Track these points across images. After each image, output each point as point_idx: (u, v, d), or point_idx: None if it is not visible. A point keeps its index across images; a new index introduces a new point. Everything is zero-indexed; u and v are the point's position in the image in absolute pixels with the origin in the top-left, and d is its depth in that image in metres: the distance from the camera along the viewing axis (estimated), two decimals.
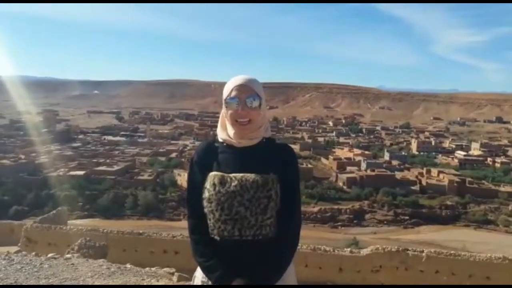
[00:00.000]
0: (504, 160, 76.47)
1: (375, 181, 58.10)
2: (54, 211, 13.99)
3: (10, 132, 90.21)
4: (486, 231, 50.08)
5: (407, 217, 52.55)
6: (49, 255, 5.29)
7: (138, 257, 9.23)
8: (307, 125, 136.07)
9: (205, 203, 1.87)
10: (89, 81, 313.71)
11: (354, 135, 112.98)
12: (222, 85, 1.93)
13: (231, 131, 1.92)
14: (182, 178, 55.90)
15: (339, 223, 51.57)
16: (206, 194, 1.87)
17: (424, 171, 65.12)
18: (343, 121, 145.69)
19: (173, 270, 6.04)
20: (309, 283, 8.57)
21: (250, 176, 1.84)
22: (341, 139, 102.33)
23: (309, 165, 65.60)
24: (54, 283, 4.17)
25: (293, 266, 1.99)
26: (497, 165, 73.43)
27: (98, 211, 50.85)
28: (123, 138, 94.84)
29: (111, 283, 4.36)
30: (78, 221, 40.03)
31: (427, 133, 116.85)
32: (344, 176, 61.61)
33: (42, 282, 4.16)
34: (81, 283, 4.23)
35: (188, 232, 1.97)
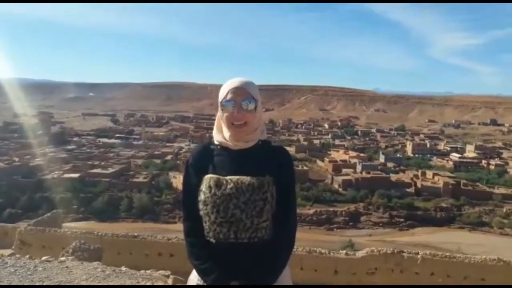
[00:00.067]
0: (498, 162, 76.98)
1: (370, 183, 58.27)
2: (49, 214, 13.92)
3: (4, 135, 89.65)
4: (481, 233, 50.31)
5: (402, 219, 52.72)
6: (43, 258, 5.25)
7: (133, 260, 9.18)
8: (303, 127, 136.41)
9: (200, 206, 1.87)
10: (84, 84, 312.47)
11: (349, 138, 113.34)
12: (218, 87, 1.93)
13: (227, 133, 1.92)
14: (177, 180, 55.78)
15: (334, 225, 51.63)
16: (201, 197, 1.86)
17: (419, 173, 65.46)
18: (339, 123, 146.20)
19: (168, 272, 6.02)
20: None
21: (246, 178, 1.84)
22: (337, 142, 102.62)
23: (305, 167, 65.67)
24: None
25: (289, 268, 1.99)
26: (492, 167, 73.89)
27: (93, 213, 50.65)
28: (118, 141, 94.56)
29: None
30: (73, 224, 39.78)
31: (422, 136, 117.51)
32: (340, 178, 61.72)
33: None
34: None
35: (184, 235, 1.97)
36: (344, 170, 66.49)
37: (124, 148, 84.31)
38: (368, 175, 61.29)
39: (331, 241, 39.97)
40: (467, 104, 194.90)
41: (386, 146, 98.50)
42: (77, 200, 51.28)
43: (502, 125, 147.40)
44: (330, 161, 71.49)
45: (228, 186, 1.83)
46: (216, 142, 1.96)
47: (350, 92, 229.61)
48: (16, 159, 64.79)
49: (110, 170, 61.21)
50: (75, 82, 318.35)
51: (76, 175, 57.42)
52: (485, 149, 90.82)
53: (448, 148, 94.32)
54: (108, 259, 7.32)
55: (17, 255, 6.00)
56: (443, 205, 55.54)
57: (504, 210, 54.59)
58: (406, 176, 64.96)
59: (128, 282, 4.60)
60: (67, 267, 4.78)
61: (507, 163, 77.02)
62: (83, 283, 4.31)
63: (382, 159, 77.20)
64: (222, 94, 1.92)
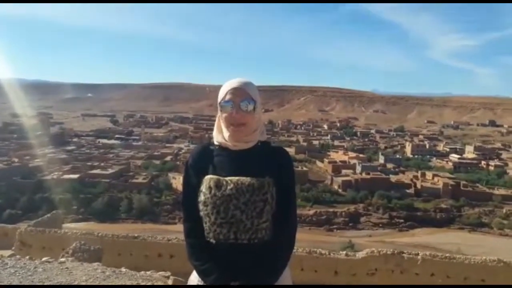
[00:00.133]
0: (497, 163, 77.04)
1: (370, 184, 58.27)
2: (49, 215, 13.94)
3: (3, 135, 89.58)
4: (481, 234, 50.28)
5: (402, 220, 52.71)
6: (43, 259, 5.25)
7: (133, 261, 9.19)
8: (302, 128, 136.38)
9: (200, 207, 1.87)
10: (83, 84, 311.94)
11: (348, 139, 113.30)
12: (217, 88, 1.93)
13: (226, 134, 1.92)
14: (177, 181, 55.76)
15: (334, 226, 51.62)
16: (201, 198, 1.86)
17: (419, 174, 65.49)
18: (338, 124, 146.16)
19: (168, 273, 6.02)
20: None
21: (246, 179, 1.84)
22: (336, 142, 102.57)
23: (304, 168, 65.66)
24: None
25: (289, 269, 1.99)
26: (491, 168, 73.95)
27: (93, 214, 50.59)
28: (117, 141, 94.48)
29: None
30: (73, 225, 39.73)
31: (421, 137, 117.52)
32: (339, 179, 61.72)
33: None
34: None
35: (184, 236, 1.97)
36: (343, 171, 66.49)
37: (123, 149, 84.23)
38: (368, 176, 61.29)
39: (331, 242, 39.96)
40: (465, 105, 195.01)
41: (386, 147, 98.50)
42: (77, 201, 51.22)
43: (501, 126, 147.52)
44: (329, 162, 71.46)
45: (228, 187, 1.83)
46: (216, 143, 1.96)
47: (349, 93, 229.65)
48: (16, 159, 64.72)
49: (110, 171, 61.17)
50: (73, 82, 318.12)
51: (75, 176, 57.37)
52: (484, 150, 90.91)
53: (448, 149, 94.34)
54: (108, 260, 7.32)
55: (17, 256, 6.00)
56: (443, 206, 55.55)
57: (504, 211, 54.59)
58: (405, 177, 64.98)
59: (128, 283, 4.61)
60: (67, 268, 4.78)
61: (506, 164, 77.09)
62: (83, 284, 4.31)
63: (381, 160, 77.22)
64: (221, 94, 1.92)
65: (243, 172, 1.86)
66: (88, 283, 4.33)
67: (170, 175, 60.64)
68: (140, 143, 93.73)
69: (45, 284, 4.21)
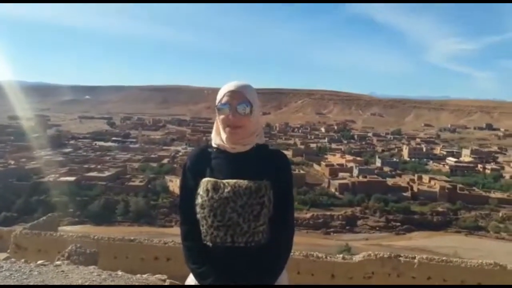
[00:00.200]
0: (494, 166, 77.30)
1: (367, 187, 58.32)
2: (45, 217, 13.87)
3: (0, 137, 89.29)
4: (477, 237, 50.36)
5: (398, 223, 52.74)
6: (39, 262, 5.22)
7: (129, 264, 9.15)
8: (300, 131, 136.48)
9: (198, 209, 1.87)
10: (81, 86, 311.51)
11: (346, 142, 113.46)
12: (214, 90, 1.92)
13: (223, 136, 1.92)
14: (174, 184, 55.66)
15: (331, 229, 51.59)
16: (199, 200, 1.86)
17: (416, 177, 65.59)
18: (335, 127, 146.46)
19: (164, 276, 6.00)
20: None
21: (243, 182, 1.84)
22: (333, 146, 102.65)
23: (302, 171, 65.70)
24: None
25: (286, 272, 1.98)
26: (488, 171, 74.17)
27: (89, 217, 50.38)
28: (114, 144, 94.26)
29: None
30: (69, 228, 39.63)
31: (418, 140, 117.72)
32: (336, 182, 61.76)
33: None
34: None
35: (181, 239, 1.97)
36: (340, 174, 66.54)
37: (120, 152, 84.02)
38: (365, 179, 61.33)
39: (328, 245, 39.95)
40: (462, 109, 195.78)
41: (383, 150, 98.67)
42: (73, 204, 50.92)
43: (498, 129, 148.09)
44: (326, 165, 71.54)
45: (226, 190, 1.83)
46: (214, 145, 1.96)
47: (346, 96, 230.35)
48: (12, 162, 64.43)
49: (106, 173, 60.97)
50: (71, 85, 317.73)
51: (72, 178, 57.18)
52: (481, 153, 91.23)
53: (444, 153, 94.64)
54: (104, 263, 7.29)
55: (13, 259, 5.97)
56: (440, 209, 55.60)
57: (500, 214, 54.72)
58: (402, 180, 65.07)
59: None
60: (62, 271, 4.76)
61: (503, 168, 77.36)
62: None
63: (378, 163, 77.29)
64: (218, 97, 1.93)
65: (240, 175, 1.86)
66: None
67: (167, 178, 60.54)
68: (137, 145, 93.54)
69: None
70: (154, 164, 70.04)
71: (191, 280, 1.94)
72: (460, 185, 61.57)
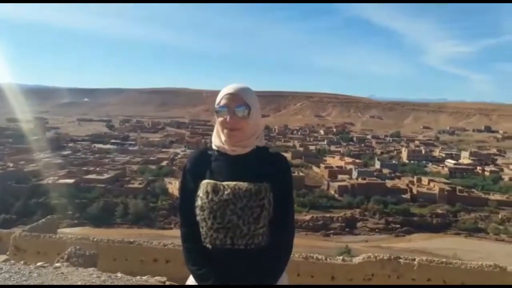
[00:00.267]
0: (493, 168, 77.41)
1: (366, 189, 58.35)
2: (44, 220, 13.86)
3: None
4: (477, 239, 50.39)
5: (398, 225, 52.76)
6: (38, 264, 5.22)
7: (128, 266, 9.13)
8: (299, 133, 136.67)
9: (197, 211, 1.86)
10: (79, 89, 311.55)
11: (345, 144, 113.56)
12: (213, 93, 1.92)
13: (223, 138, 1.92)
14: (173, 186, 55.64)
15: (331, 231, 51.59)
16: (198, 202, 1.85)
17: (415, 179, 65.67)
18: (334, 129, 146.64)
19: (164, 278, 6.00)
20: None
21: (243, 184, 1.83)
22: (332, 148, 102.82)
23: (301, 174, 65.71)
24: None
25: (286, 275, 1.98)
26: (487, 173, 74.24)
27: (88, 219, 50.34)
28: (113, 146, 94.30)
29: None
30: (68, 230, 39.53)
31: (417, 142, 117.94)
32: (336, 184, 61.78)
33: None
34: None
35: (181, 241, 1.96)
36: (340, 176, 66.54)
37: (119, 154, 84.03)
38: (364, 181, 61.37)
39: (327, 247, 39.94)
40: (461, 111, 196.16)
41: (382, 153, 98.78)
42: (72, 206, 50.95)
43: (496, 131, 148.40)
44: (326, 167, 71.56)
45: (225, 192, 1.82)
46: (214, 147, 1.96)
47: (345, 99, 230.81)
48: (11, 164, 64.39)
49: (105, 175, 60.95)
50: (69, 87, 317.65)
51: (71, 180, 57.14)
52: (480, 155, 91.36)
53: (443, 155, 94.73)
54: (104, 265, 7.28)
55: (12, 261, 5.96)
56: (439, 211, 55.64)
57: (500, 216, 54.76)
58: (401, 182, 65.11)
59: None
60: (62, 273, 4.75)
61: (501, 170, 77.48)
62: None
63: (377, 165, 77.34)
64: (217, 99, 1.92)
65: (240, 177, 1.85)
66: None
67: (166, 180, 60.53)
68: (136, 148, 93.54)
69: None
70: (153, 167, 70.03)
71: (191, 281, 1.94)
72: (460, 187, 61.67)
